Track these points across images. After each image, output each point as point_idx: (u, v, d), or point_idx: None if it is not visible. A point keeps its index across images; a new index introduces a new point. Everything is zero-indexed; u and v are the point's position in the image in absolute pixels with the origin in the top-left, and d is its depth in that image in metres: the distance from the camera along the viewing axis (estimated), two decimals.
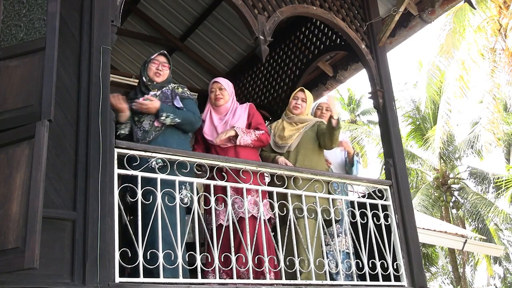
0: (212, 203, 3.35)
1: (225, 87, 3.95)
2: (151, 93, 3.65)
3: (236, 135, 3.78)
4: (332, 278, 3.88)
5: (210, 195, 3.37)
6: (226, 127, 3.86)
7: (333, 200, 3.90)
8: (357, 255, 3.95)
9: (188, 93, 3.76)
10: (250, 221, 3.50)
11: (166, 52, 3.84)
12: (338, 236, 4.04)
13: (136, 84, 5.35)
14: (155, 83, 3.67)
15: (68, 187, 2.77)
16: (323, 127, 4.22)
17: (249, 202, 3.56)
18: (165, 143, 3.45)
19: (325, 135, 4.11)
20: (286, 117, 4.32)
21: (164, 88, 3.70)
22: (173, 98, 3.66)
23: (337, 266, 3.81)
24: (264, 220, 3.57)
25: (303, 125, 4.23)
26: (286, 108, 4.40)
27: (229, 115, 3.92)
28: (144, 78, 3.68)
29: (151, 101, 3.53)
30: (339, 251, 3.92)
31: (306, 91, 4.37)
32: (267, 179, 3.96)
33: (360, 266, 3.85)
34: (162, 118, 3.52)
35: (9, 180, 2.39)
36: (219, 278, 3.26)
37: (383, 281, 3.84)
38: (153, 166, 3.29)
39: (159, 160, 3.30)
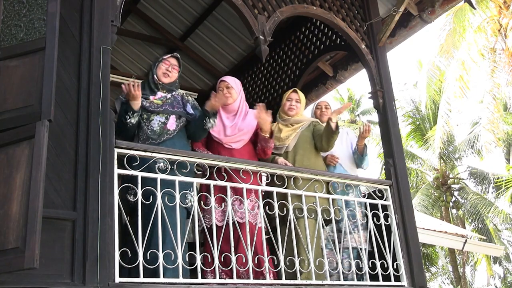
0: (212, 203, 3.35)
1: (233, 86, 3.95)
2: (159, 93, 3.66)
3: (269, 138, 3.84)
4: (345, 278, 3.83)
5: (209, 195, 3.36)
6: (235, 129, 3.84)
7: (334, 200, 3.90)
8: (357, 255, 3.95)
9: (197, 103, 3.81)
10: (244, 225, 3.47)
11: (178, 56, 3.85)
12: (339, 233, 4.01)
13: None
14: (161, 83, 3.68)
15: (68, 187, 2.77)
16: (319, 128, 4.20)
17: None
18: (173, 147, 3.44)
19: (321, 137, 4.07)
20: (281, 120, 4.29)
21: (174, 93, 3.71)
22: (184, 104, 3.69)
23: (350, 266, 3.77)
24: (259, 226, 3.56)
25: (299, 125, 4.22)
26: (279, 110, 4.37)
27: (239, 117, 3.90)
28: (154, 76, 3.68)
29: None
30: (340, 249, 3.91)
31: (298, 91, 4.35)
32: (265, 179, 3.94)
33: (360, 266, 3.85)
34: (213, 120, 3.61)
35: (9, 180, 2.39)
36: (219, 278, 3.26)
37: (383, 281, 3.85)
38: (158, 167, 3.28)
39: (166, 162, 3.29)
